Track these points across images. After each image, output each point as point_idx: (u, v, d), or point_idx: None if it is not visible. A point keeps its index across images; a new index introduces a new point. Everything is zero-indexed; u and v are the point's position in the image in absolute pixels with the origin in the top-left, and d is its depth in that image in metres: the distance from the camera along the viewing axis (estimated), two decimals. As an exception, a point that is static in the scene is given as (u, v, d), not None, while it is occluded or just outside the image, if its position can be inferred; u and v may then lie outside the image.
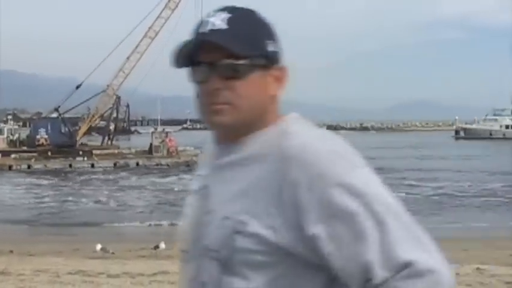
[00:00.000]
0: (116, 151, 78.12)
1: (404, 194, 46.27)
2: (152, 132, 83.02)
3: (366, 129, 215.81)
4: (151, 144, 77.51)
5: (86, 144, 79.47)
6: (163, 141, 77.34)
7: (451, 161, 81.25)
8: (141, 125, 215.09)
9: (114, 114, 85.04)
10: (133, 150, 79.88)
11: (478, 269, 17.29)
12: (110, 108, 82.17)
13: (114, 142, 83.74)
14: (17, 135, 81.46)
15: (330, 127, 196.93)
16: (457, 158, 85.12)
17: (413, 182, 54.44)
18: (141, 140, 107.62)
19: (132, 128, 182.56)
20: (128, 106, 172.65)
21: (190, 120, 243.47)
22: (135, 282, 15.90)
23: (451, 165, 73.24)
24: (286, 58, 2.31)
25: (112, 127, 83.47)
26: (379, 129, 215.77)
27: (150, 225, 34.73)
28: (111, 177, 60.80)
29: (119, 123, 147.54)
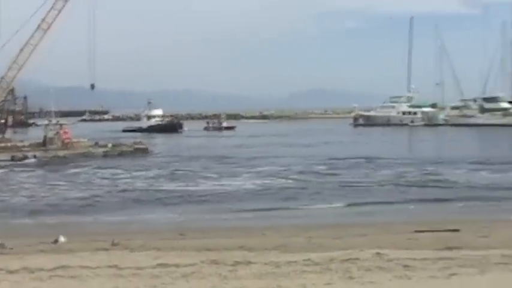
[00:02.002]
0: (9, 144, 76.31)
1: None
2: (46, 125, 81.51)
3: (265, 117, 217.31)
4: (45, 136, 76.14)
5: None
6: (57, 133, 76.04)
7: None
8: (39, 116, 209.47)
9: (9, 107, 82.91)
10: (27, 143, 78.16)
11: (377, 253, 17.66)
12: (3, 101, 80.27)
13: (10, 135, 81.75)
14: None
15: (230, 116, 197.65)
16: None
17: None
18: (38, 132, 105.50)
19: (31, 121, 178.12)
20: (25, 98, 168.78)
21: (89, 112, 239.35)
22: (34, 278, 15.54)
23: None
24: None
25: (3, 120, 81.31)
26: (279, 118, 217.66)
27: (50, 219, 34.04)
28: (8, 170, 59.37)
29: (17, 116, 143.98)
